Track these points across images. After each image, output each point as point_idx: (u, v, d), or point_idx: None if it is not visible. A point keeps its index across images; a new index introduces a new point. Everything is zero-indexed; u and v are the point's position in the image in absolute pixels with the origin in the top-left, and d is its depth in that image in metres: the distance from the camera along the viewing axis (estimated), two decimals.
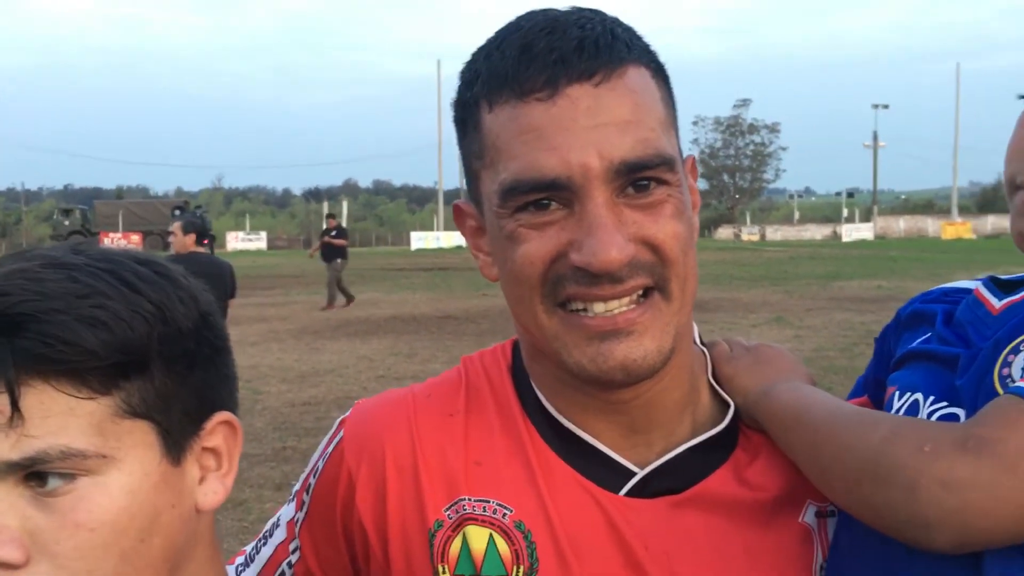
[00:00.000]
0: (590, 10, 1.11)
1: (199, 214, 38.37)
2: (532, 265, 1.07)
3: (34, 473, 0.87)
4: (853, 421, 1.09)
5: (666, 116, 1.11)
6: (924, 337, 1.24)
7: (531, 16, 1.10)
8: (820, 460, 1.09)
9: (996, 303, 1.17)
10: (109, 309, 0.89)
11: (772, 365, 1.25)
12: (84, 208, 70.01)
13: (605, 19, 1.10)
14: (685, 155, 1.17)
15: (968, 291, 1.25)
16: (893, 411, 1.18)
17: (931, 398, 1.14)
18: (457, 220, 1.24)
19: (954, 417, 1.09)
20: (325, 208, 75.16)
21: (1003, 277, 1.22)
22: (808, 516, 1.19)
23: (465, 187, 1.21)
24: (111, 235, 62.50)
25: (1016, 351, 1.07)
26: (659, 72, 1.13)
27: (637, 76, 1.08)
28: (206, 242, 9.30)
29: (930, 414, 1.12)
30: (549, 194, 1.05)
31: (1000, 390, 1.05)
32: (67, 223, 66.12)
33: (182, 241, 8.88)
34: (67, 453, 0.87)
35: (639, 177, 1.05)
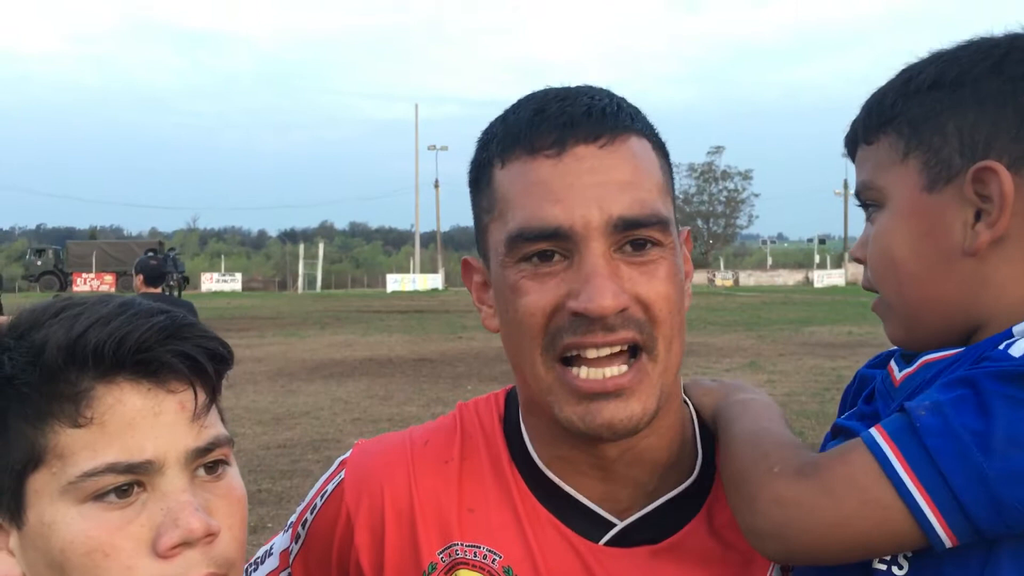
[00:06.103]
0: (600, 87, 1.22)
1: (172, 256, 37.96)
2: (533, 316, 1.14)
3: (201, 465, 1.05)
4: (755, 439, 1.18)
5: (664, 184, 1.19)
6: (850, 412, 1.29)
7: (546, 89, 1.21)
8: (725, 467, 1.21)
9: (898, 375, 1.21)
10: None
11: (737, 384, 1.37)
12: (57, 248, 69.16)
13: (613, 95, 1.21)
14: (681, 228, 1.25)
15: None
16: None
17: None
18: (464, 275, 1.32)
19: None
20: (301, 250, 74.91)
21: None
22: (775, 570, 1.24)
23: (471, 238, 1.30)
24: (84, 275, 61.76)
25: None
26: (660, 147, 1.22)
27: (638, 145, 1.17)
28: (176, 280, 9.37)
29: None
30: (552, 243, 1.13)
31: None
32: (39, 263, 65.32)
33: (134, 282, 9.16)
34: (228, 439, 1.07)
35: (636, 236, 1.13)
